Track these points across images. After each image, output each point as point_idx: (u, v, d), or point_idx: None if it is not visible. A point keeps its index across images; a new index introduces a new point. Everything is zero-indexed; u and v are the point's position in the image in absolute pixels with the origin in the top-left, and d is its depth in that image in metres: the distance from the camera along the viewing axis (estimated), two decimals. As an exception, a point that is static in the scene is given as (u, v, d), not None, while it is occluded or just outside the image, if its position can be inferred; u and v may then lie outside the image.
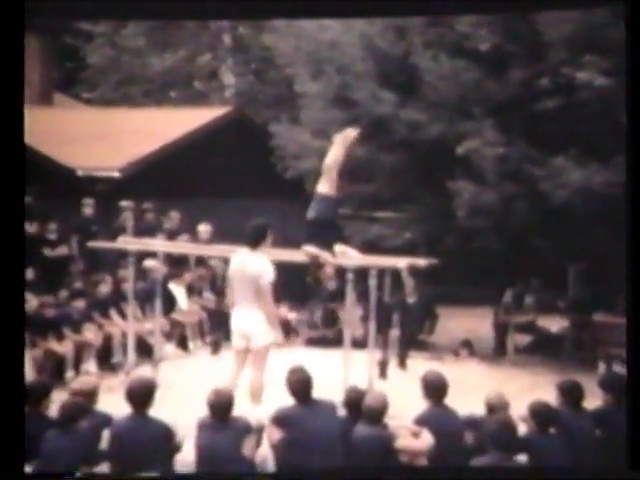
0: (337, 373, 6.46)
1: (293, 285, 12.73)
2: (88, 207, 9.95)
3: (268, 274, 5.85)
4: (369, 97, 9.36)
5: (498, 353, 9.63)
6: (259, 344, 5.90)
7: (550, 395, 5.42)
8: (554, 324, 9.71)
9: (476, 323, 10.28)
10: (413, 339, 8.98)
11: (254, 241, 5.89)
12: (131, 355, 7.62)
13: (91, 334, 8.30)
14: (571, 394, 5.34)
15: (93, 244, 8.33)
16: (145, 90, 17.23)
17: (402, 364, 8.26)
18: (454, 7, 6.37)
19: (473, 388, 6.73)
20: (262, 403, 5.88)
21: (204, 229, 10.25)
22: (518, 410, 5.23)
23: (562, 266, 9.66)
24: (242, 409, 5.34)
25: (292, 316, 10.32)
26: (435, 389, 5.23)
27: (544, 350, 9.50)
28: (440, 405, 5.22)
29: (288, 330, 10.09)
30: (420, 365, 7.68)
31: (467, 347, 9.62)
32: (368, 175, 10.05)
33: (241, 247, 6.10)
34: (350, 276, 6.45)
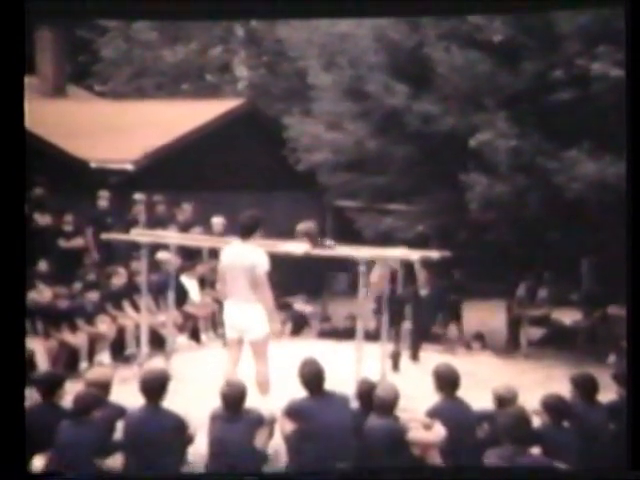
0: (349, 365, 6.44)
1: (306, 278, 12.80)
2: (103, 199, 9.97)
3: (263, 264, 5.86)
4: (381, 89, 9.33)
5: (511, 346, 9.60)
6: (255, 336, 5.92)
7: (564, 388, 5.40)
8: (567, 317, 9.67)
9: (489, 316, 10.24)
10: (426, 332, 8.95)
11: (247, 232, 5.95)
12: (144, 347, 7.62)
13: (104, 326, 8.33)
14: (585, 387, 5.31)
15: (107, 236, 8.36)
16: (157, 83, 17.25)
17: (414, 357, 8.24)
18: (461, 7, 6.55)
19: (485, 381, 6.69)
20: (270, 394, 5.89)
21: (217, 221, 10.25)
22: (531, 403, 5.21)
23: (575, 259, 9.62)
24: (253, 401, 5.34)
25: (306, 309, 10.32)
26: (447, 382, 5.23)
27: (557, 343, 9.46)
28: (452, 398, 5.22)
29: (302, 323, 10.13)
30: (432, 358, 7.66)
31: (480, 340, 9.59)
32: (380, 167, 10.04)
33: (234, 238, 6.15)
34: (362, 268, 6.44)
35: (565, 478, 4.65)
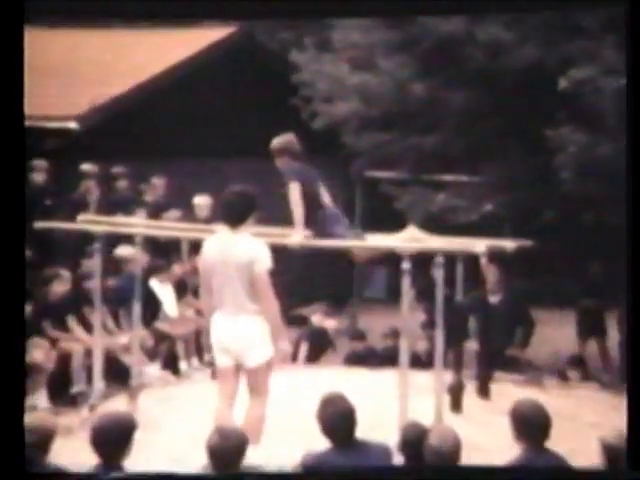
0: (391, 403, 6.47)
1: (329, 282, 12.76)
2: (40, 173, 9.96)
3: (263, 260, 5.89)
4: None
5: (625, 376, 9.51)
6: (256, 362, 5.96)
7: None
8: None
9: (591, 332, 10.20)
10: (498, 355, 8.92)
11: (237, 217, 5.99)
12: (98, 382, 7.65)
13: (40, 353, 8.31)
14: None
15: (43, 225, 8.34)
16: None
17: (483, 390, 8.20)
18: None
19: (589, 426, 6.68)
20: (261, 442, 5.87)
21: (202, 202, 10.29)
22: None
23: None
24: (257, 455, 5.34)
25: (329, 324, 10.32)
26: (532, 427, 5.18)
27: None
28: (540, 450, 5.17)
29: (323, 343, 10.14)
30: (509, 392, 7.66)
31: (578, 367, 9.52)
32: (430, 122, 10.00)
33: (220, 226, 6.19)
34: (406, 265, 6.43)
35: (565, 478, 4.96)
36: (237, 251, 5.90)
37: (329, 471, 4.90)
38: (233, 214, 6.00)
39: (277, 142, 6.85)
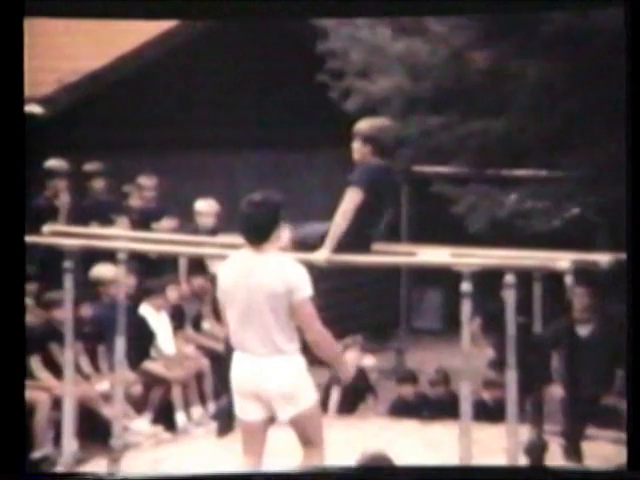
0: (450, 464, 6.53)
1: (368, 308, 12.65)
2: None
3: (304, 285, 5.89)
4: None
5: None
6: (301, 408, 5.96)
7: None
8: None
9: None
10: (592, 404, 8.78)
11: (260, 233, 5.97)
12: (69, 442, 7.64)
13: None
14: None
15: None
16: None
17: (572, 451, 8.10)
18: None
19: None
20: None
21: (205, 208, 10.33)
22: None
23: None
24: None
25: (368, 362, 10.27)
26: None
27: None
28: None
29: (361, 387, 10.10)
30: (607, 453, 7.57)
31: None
32: (496, 101, 9.94)
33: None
34: (466, 286, 6.45)
35: (565, 478, 5.77)
36: (266, 276, 5.88)
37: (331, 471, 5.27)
38: (254, 230, 5.96)
39: (368, 124, 6.97)
